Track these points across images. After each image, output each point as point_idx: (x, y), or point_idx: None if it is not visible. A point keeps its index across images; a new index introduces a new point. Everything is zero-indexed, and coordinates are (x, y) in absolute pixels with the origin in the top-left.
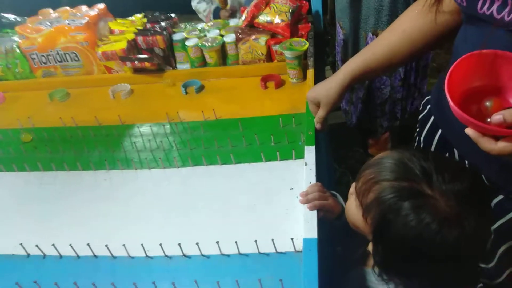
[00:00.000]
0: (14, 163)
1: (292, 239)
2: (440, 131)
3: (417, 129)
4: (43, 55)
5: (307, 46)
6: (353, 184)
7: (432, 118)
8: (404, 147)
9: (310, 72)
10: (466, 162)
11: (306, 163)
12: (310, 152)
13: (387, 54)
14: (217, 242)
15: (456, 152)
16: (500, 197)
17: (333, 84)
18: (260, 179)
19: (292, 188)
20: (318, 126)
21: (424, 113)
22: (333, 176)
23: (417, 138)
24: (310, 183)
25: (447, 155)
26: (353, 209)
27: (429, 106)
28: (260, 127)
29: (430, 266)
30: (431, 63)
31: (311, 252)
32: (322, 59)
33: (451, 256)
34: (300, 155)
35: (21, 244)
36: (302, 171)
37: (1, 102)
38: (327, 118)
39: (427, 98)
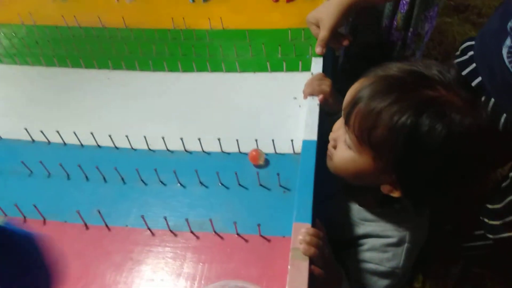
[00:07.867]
0: (17, 56)
1: (292, 140)
2: (479, 78)
3: None
4: None
5: None
6: (335, 133)
7: (473, 65)
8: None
9: None
10: (505, 114)
11: (312, 73)
12: (317, 64)
13: None
14: (219, 139)
15: (492, 101)
16: None
17: (334, 2)
18: (264, 88)
19: (296, 98)
20: (318, 49)
21: (463, 58)
22: None
23: None
24: None
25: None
26: (347, 157)
27: (470, 52)
28: (267, 39)
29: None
30: (448, 1)
31: (309, 152)
32: None
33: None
34: (307, 68)
35: (25, 129)
36: None
37: None
38: (329, 42)
39: (468, 43)
